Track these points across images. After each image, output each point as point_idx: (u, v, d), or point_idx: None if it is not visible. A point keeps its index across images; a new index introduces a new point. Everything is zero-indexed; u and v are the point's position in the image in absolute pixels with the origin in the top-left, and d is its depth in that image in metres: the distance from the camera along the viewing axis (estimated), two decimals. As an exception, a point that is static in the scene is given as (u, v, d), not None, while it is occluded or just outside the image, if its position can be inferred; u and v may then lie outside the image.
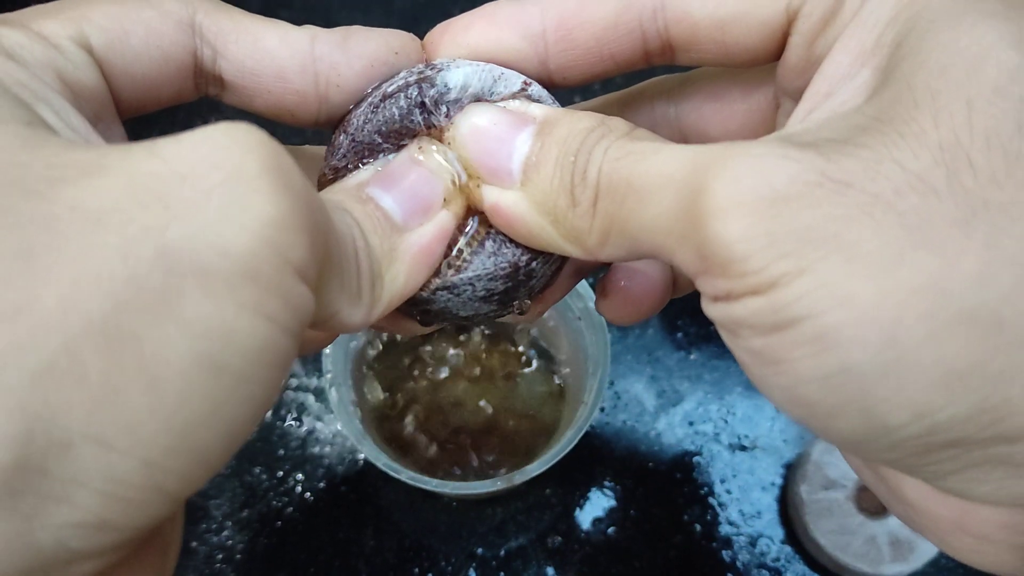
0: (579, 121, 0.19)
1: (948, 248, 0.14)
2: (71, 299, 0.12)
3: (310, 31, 0.19)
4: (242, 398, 0.13)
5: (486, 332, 0.51)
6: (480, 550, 0.50)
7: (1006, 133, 0.14)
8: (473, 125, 0.20)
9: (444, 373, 0.50)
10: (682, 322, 0.56)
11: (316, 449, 0.53)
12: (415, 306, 0.21)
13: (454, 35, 0.20)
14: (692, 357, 0.56)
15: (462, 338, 0.51)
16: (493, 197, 0.19)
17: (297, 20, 0.20)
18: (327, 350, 0.45)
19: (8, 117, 0.14)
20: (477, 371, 0.50)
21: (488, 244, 0.20)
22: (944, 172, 0.14)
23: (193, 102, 0.20)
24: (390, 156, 0.20)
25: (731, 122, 0.22)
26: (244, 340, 0.13)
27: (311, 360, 0.55)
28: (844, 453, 0.21)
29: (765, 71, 0.21)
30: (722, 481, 0.52)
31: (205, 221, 0.13)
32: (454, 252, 0.20)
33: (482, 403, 0.50)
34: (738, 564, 0.50)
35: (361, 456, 0.52)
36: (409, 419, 0.49)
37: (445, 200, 0.20)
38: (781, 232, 0.14)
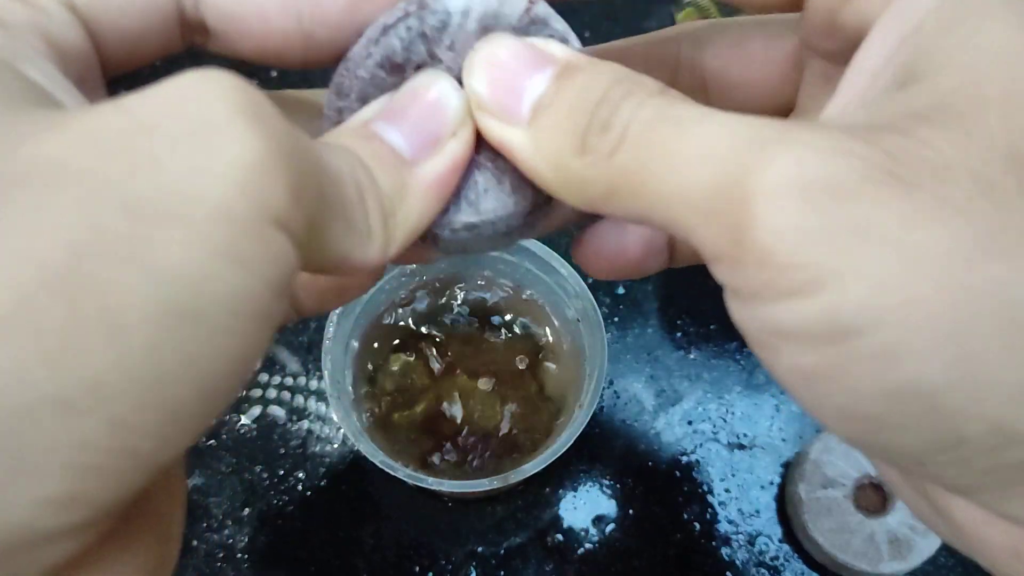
0: (602, 71, 0.18)
1: (1020, 257, 0.13)
2: (25, 250, 0.11)
3: None
4: (218, 351, 0.13)
5: (487, 331, 0.52)
6: (480, 548, 0.50)
7: None
8: (491, 55, 0.19)
9: (444, 371, 0.50)
10: (681, 321, 0.57)
11: (317, 448, 0.53)
12: (433, 243, 0.20)
13: None
14: (691, 356, 0.56)
15: (462, 337, 0.51)
16: (498, 132, 0.19)
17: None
18: (327, 344, 0.46)
19: None
20: (477, 370, 0.50)
21: (507, 181, 0.20)
22: (1015, 178, 0.13)
23: (181, 59, 0.19)
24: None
25: (751, 68, 0.22)
26: (217, 287, 0.12)
27: (311, 359, 0.55)
28: (883, 469, 0.19)
29: (788, 23, 0.21)
30: (721, 480, 0.52)
31: (173, 171, 0.12)
32: (468, 185, 0.20)
33: (481, 402, 0.50)
34: (737, 562, 0.50)
35: (362, 455, 0.52)
36: (408, 417, 0.49)
37: (455, 132, 0.19)
38: (838, 226, 0.13)
